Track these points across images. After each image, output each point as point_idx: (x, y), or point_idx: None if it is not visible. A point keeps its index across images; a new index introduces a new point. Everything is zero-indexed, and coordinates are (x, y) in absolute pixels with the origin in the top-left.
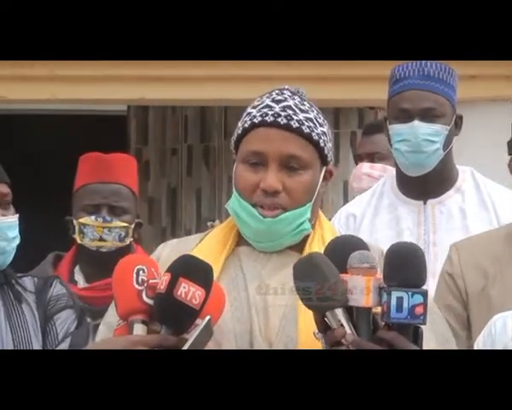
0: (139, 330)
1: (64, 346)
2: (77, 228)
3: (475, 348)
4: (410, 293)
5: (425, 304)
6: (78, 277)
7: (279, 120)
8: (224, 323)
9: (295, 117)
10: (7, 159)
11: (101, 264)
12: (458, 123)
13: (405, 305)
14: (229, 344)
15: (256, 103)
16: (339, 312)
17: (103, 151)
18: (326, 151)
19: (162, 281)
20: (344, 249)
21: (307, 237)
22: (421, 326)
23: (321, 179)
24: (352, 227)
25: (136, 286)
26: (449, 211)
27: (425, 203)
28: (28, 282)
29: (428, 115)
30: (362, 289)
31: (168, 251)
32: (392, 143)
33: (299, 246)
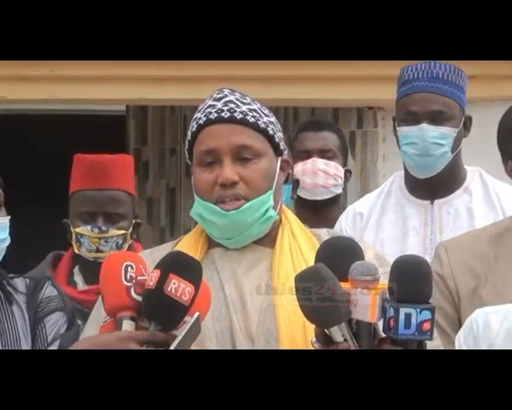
0: (128, 326)
1: (53, 348)
2: (73, 237)
3: (456, 343)
4: (418, 309)
5: (432, 320)
6: (78, 277)
7: (223, 114)
8: (204, 323)
9: (238, 109)
10: (6, 159)
11: (99, 270)
12: (467, 124)
13: (413, 321)
14: (211, 343)
15: (199, 108)
16: (342, 326)
17: (102, 151)
18: (277, 140)
19: (152, 277)
20: (338, 255)
21: (276, 232)
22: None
23: (278, 169)
24: (359, 226)
25: (125, 282)
26: (456, 211)
27: (432, 203)
28: (20, 283)
29: (437, 118)
30: (367, 304)
31: None
32: (400, 146)
33: (271, 241)
